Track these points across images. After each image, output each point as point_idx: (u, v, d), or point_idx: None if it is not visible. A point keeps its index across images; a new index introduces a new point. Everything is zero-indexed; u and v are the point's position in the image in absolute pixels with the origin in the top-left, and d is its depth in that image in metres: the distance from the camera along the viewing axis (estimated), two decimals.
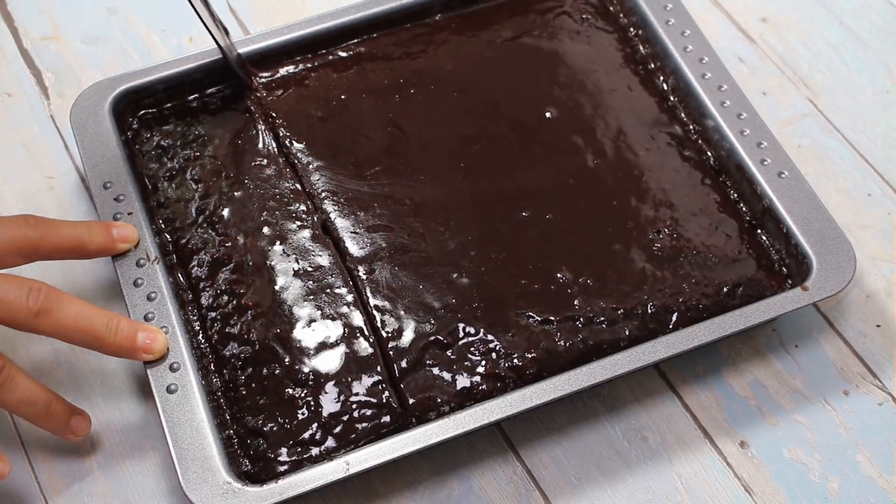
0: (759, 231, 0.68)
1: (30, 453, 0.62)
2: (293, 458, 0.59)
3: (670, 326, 0.63)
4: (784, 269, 0.66)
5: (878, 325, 0.68)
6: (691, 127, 0.71)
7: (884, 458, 0.63)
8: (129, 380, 0.65)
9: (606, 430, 0.64)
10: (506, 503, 0.62)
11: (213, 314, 0.63)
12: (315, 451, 0.59)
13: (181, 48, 0.78)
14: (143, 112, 0.71)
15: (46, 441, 0.63)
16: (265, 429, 0.60)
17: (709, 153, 0.71)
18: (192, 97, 0.71)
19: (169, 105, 0.71)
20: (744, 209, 0.68)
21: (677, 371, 0.66)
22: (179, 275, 0.65)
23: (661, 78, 0.73)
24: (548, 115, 0.71)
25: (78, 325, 0.58)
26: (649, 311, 0.64)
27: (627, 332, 0.63)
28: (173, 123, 0.70)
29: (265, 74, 0.72)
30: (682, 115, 0.72)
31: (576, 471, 0.63)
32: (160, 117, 0.71)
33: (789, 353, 0.67)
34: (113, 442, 0.63)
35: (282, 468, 0.58)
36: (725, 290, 0.65)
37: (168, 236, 0.66)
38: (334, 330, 0.62)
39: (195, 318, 0.64)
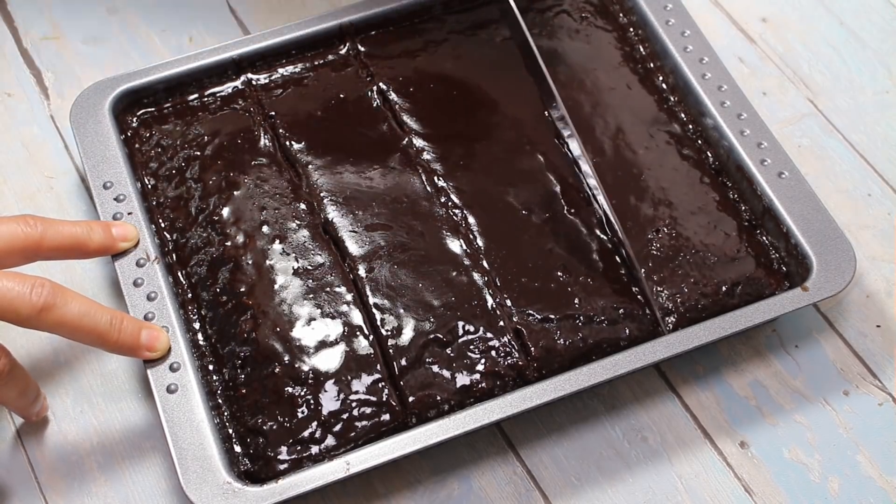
0: (758, 231, 0.68)
1: (30, 453, 0.62)
2: (293, 457, 0.59)
3: (669, 325, 0.63)
4: (783, 267, 0.66)
5: (878, 326, 0.68)
6: (690, 126, 0.72)
7: (884, 458, 0.63)
8: (129, 380, 0.65)
9: (606, 430, 0.64)
10: (506, 503, 0.62)
11: (213, 313, 0.63)
12: (315, 449, 0.59)
13: (181, 48, 0.78)
14: (142, 112, 0.71)
15: (46, 441, 0.63)
16: (265, 427, 0.60)
17: (708, 153, 0.71)
18: (191, 97, 0.72)
19: (168, 105, 0.71)
20: (744, 209, 0.68)
21: (677, 371, 0.66)
22: (179, 274, 0.65)
23: (661, 77, 0.74)
24: (546, 113, 0.71)
25: (81, 321, 0.58)
26: (647, 309, 0.64)
27: (627, 332, 0.63)
28: (173, 123, 0.70)
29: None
30: (682, 114, 0.72)
31: (576, 471, 0.63)
32: (160, 117, 0.71)
33: (789, 353, 0.67)
34: (113, 442, 0.63)
35: (282, 467, 0.58)
36: (724, 288, 0.65)
37: (168, 235, 0.66)
38: (334, 328, 0.62)
39: (195, 317, 0.64)
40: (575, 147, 0.68)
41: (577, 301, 0.63)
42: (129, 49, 0.78)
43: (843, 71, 0.78)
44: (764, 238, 0.68)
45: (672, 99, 0.73)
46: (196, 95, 0.72)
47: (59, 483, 0.62)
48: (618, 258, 0.65)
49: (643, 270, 0.65)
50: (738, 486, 0.62)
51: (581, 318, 0.63)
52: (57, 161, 0.73)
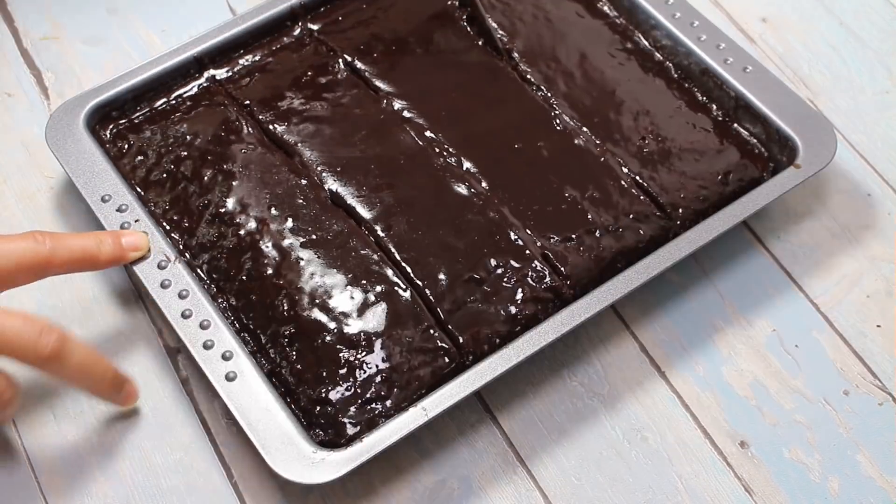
0: (734, 125, 0.71)
1: (30, 453, 0.62)
2: (366, 417, 0.59)
3: (679, 221, 0.66)
4: (765, 152, 0.70)
5: (878, 326, 0.68)
6: (647, 41, 0.75)
7: (884, 458, 0.63)
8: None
9: (606, 430, 0.64)
10: (506, 503, 0.62)
11: (246, 301, 0.63)
12: (381, 406, 0.59)
13: None
14: (116, 124, 0.70)
15: (46, 441, 0.63)
16: (329, 396, 0.60)
17: (669, 63, 0.74)
18: (160, 102, 0.71)
19: (140, 113, 0.71)
20: (714, 108, 0.71)
21: (678, 371, 0.66)
22: (199, 271, 0.65)
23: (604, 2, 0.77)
24: (515, 54, 0.73)
25: (79, 377, 0.58)
26: (657, 211, 0.66)
27: (642, 232, 0.65)
28: (150, 130, 0.70)
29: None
30: (635, 31, 0.75)
31: (576, 471, 0.63)
32: (134, 126, 0.70)
33: (789, 352, 0.67)
34: (113, 442, 0.63)
35: (355, 430, 0.59)
36: (719, 178, 0.68)
37: (177, 236, 0.66)
38: (371, 289, 0.63)
39: (227, 309, 0.64)
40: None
41: (590, 216, 0.65)
42: (129, 49, 0.78)
43: (843, 71, 0.78)
44: (741, 128, 0.71)
45: (620, 21, 0.76)
46: (164, 99, 0.71)
47: (59, 483, 0.62)
48: (614, 167, 0.68)
49: (641, 173, 0.68)
50: (738, 486, 0.62)
51: (598, 230, 0.65)
52: (57, 161, 0.73)
